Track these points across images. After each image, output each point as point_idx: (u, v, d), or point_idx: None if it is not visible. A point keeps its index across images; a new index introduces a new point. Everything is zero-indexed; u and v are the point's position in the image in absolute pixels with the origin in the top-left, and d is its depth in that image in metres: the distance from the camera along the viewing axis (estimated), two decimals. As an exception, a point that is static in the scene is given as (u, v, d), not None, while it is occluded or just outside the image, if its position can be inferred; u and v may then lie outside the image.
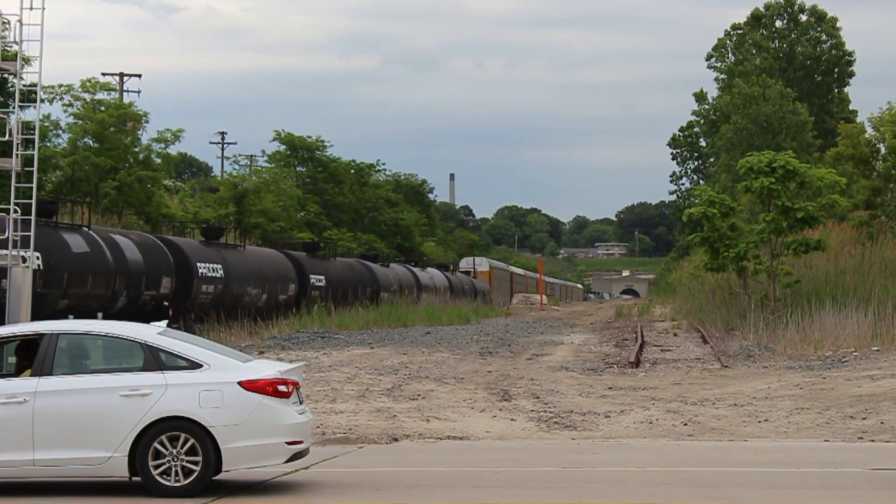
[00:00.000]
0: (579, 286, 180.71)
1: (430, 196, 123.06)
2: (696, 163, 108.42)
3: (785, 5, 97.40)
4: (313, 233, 74.21)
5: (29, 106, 37.67)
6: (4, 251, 25.80)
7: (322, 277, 52.95)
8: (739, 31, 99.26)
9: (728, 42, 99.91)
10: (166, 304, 36.23)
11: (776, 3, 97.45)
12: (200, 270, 39.62)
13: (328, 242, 62.28)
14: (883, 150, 55.97)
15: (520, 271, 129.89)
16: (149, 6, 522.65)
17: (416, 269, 74.86)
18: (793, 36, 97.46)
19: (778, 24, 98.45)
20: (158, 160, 56.84)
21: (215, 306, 40.39)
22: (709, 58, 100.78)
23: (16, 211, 26.36)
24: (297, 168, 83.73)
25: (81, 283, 31.87)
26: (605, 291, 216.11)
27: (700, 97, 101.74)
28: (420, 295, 70.02)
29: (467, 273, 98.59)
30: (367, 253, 71.86)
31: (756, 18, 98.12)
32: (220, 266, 41.34)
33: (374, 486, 13.26)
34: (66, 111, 54.86)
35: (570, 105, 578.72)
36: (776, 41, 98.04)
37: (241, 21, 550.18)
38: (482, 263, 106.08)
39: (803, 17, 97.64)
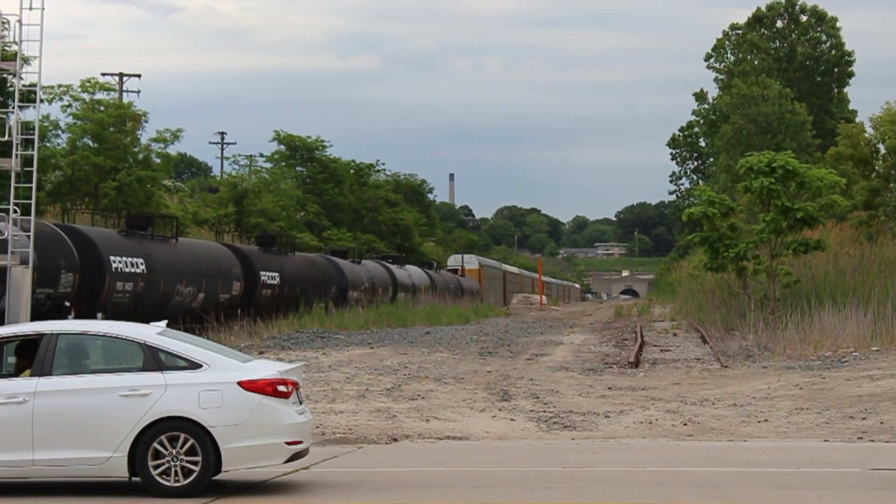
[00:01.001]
0: (577, 286, 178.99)
1: (430, 196, 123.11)
2: (695, 163, 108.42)
3: (786, 5, 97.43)
4: (313, 233, 74.28)
5: (28, 106, 37.67)
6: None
7: (276, 275, 47.53)
8: (738, 31, 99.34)
9: (727, 42, 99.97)
10: (67, 304, 31.31)
11: (777, 3, 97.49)
12: (114, 265, 33.96)
13: (286, 236, 55.52)
14: (882, 151, 55.99)
15: (514, 270, 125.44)
16: (148, 6, 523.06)
17: (392, 267, 69.21)
18: (793, 36, 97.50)
19: (779, 24, 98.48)
20: (158, 160, 56.84)
21: (135, 307, 34.79)
22: (707, 58, 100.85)
23: (15, 211, 26.38)
24: (297, 168, 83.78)
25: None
26: (604, 291, 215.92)
27: (700, 97, 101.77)
28: (396, 294, 65.18)
29: (454, 271, 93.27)
30: (337, 248, 66.10)
31: (757, 19, 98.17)
32: (141, 260, 35.67)
33: (373, 486, 13.26)
34: (65, 111, 54.90)
35: (570, 105, 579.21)
36: (777, 41, 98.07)
37: (241, 21, 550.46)
38: (471, 261, 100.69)
39: (804, 18, 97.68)
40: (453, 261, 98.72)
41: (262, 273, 46.11)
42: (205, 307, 40.29)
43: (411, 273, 72.67)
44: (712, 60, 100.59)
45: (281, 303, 47.76)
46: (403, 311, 53.98)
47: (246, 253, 46.17)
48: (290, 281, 48.93)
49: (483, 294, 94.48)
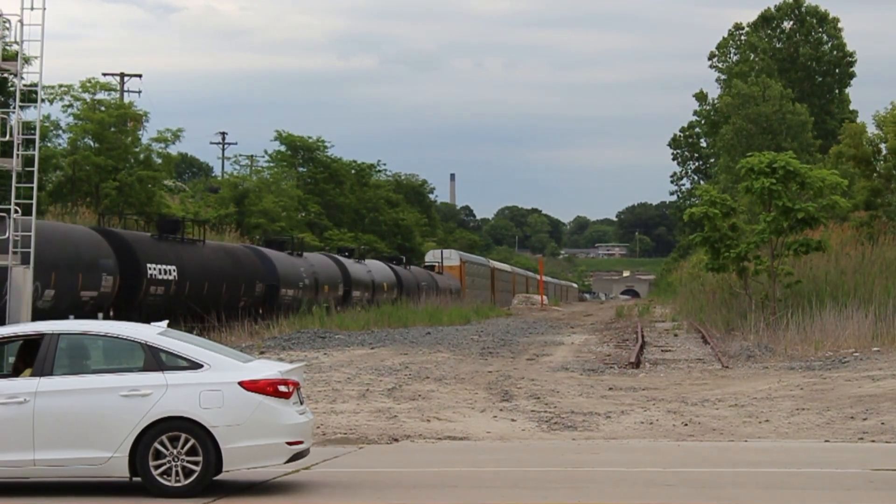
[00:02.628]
0: (574, 285, 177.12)
1: (431, 196, 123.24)
2: (696, 163, 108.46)
3: (794, 6, 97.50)
4: (314, 233, 74.29)
5: (29, 106, 37.68)
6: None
7: (172, 268, 36.94)
8: (742, 31, 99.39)
9: (731, 42, 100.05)
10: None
11: (785, 3, 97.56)
12: None
13: (193, 222, 46.61)
14: (884, 151, 55.96)
15: (505, 267, 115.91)
16: (148, 6, 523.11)
17: (346, 260, 59.26)
18: (797, 37, 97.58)
19: (785, 24, 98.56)
20: (159, 160, 56.91)
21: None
22: (711, 57, 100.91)
23: (16, 211, 26.39)
24: (298, 168, 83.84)
25: None
26: (603, 292, 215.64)
27: (701, 97, 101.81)
28: (350, 294, 56.52)
29: (431, 268, 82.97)
30: (274, 239, 55.13)
31: (766, 19, 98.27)
32: None
33: (374, 486, 13.25)
34: (65, 111, 54.97)
35: (570, 105, 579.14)
36: (783, 42, 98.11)
37: (241, 21, 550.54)
38: (451, 257, 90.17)
39: (811, 20, 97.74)
40: (431, 256, 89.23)
41: (149, 266, 35.60)
42: (56, 308, 30.18)
43: (371, 269, 63.14)
44: (715, 60, 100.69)
45: (178, 304, 37.00)
46: (404, 312, 53.95)
47: (127, 241, 35.53)
48: (193, 276, 38.62)
49: (464, 293, 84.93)
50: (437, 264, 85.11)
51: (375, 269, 64.09)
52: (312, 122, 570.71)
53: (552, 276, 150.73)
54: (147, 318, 30.50)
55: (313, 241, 69.62)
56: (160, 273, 36.21)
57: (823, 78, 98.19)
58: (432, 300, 65.78)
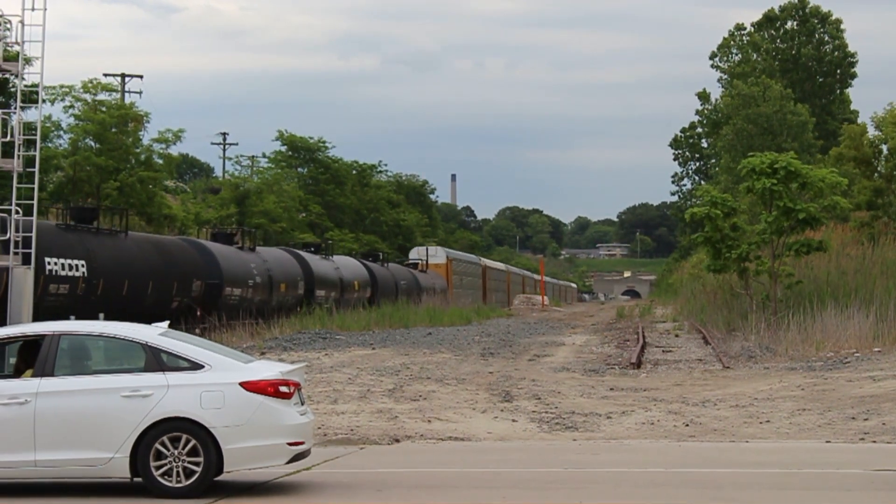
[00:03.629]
0: (573, 285, 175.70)
1: (432, 197, 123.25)
2: (697, 163, 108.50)
3: (798, 6, 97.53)
4: (315, 234, 74.32)
5: (30, 106, 37.72)
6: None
7: (80, 263, 31.32)
8: (743, 32, 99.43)
9: (733, 42, 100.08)
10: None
11: (790, 3, 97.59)
12: None
13: (113, 209, 42.05)
14: (885, 151, 55.97)
15: (499, 266, 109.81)
16: (148, 6, 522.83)
17: (309, 257, 52.41)
18: (799, 38, 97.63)
19: (789, 25, 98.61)
20: (160, 161, 56.93)
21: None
22: (713, 56, 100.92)
23: (17, 212, 26.41)
24: (299, 169, 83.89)
25: None
26: (602, 292, 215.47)
27: (703, 97, 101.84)
28: (313, 293, 50.40)
29: (414, 266, 77.06)
30: (220, 231, 47.12)
31: (769, 19, 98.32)
32: None
33: (375, 486, 13.26)
34: (66, 112, 55.00)
35: (570, 105, 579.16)
36: (785, 42, 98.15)
37: (241, 21, 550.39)
38: (437, 254, 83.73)
39: (814, 20, 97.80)
40: (415, 253, 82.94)
41: (50, 260, 29.85)
42: None
43: (340, 265, 56.65)
44: (717, 59, 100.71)
45: (87, 305, 30.74)
46: (405, 312, 53.97)
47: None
48: (108, 273, 32.86)
49: (451, 294, 78.73)
50: (420, 262, 79.00)
51: (345, 265, 57.61)
52: (313, 122, 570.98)
53: (552, 277, 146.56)
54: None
55: (314, 242, 69.30)
56: (63, 269, 30.54)
57: (825, 78, 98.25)
58: (412, 301, 61.84)
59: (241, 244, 45.38)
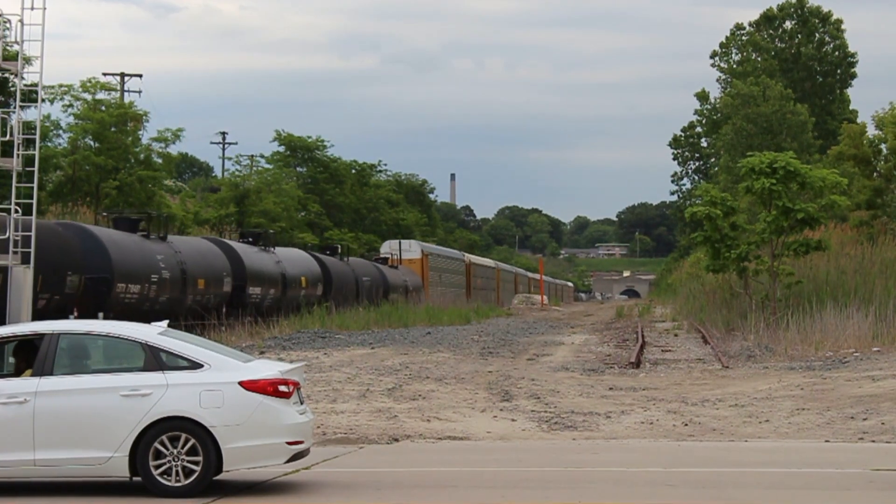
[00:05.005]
0: (570, 284, 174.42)
1: (431, 196, 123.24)
2: (697, 163, 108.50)
3: (796, 5, 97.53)
4: (314, 233, 74.28)
5: (30, 106, 37.70)
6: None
7: None
8: (743, 32, 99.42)
9: (733, 42, 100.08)
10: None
11: (788, 3, 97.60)
12: None
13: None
14: (885, 151, 56.01)
15: (488, 263, 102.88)
16: (147, 5, 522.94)
17: (243, 248, 44.64)
18: (799, 37, 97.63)
19: (788, 24, 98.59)
20: (159, 160, 56.90)
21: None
22: (713, 56, 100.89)
23: (17, 211, 26.40)
24: (298, 168, 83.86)
25: None
26: (600, 291, 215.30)
27: (702, 97, 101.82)
28: (244, 290, 42.82)
29: (384, 261, 69.86)
30: (121, 216, 38.19)
31: (768, 19, 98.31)
32: None
33: (374, 486, 13.25)
34: (66, 111, 54.98)
35: (570, 105, 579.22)
36: (785, 41, 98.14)
37: (241, 20, 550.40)
38: (411, 248, 76.80)
39: (813, 20, 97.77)
40: (387, 247, 76.09)
41: None
42: None
43: (283, 258, 48.60)
44: (717, 59, 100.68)
45: None
46: (405, 312, 53.97)
47: None
48: None
49: (427, 292, 72.86)
50: (390, 256, 72.16)
51: (290, 258, 49.71)
52: (313, 122, 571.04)
53: (548, 276, 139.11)
54: None
55: (314, 242, 69.20)
56: None
57: (825, 78, 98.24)
58: (374, 300, 56.07)
59: (147, 232, 36.96)
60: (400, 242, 76.34)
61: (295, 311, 46.85)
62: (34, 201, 26.70)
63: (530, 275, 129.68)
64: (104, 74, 64.88)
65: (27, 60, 29.84)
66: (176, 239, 39.87)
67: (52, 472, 12.49)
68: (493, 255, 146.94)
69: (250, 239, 48.22)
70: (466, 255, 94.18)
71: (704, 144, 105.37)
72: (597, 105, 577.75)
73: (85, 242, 32.56)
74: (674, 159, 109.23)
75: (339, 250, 60.39)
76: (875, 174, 56.49)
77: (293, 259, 50.30)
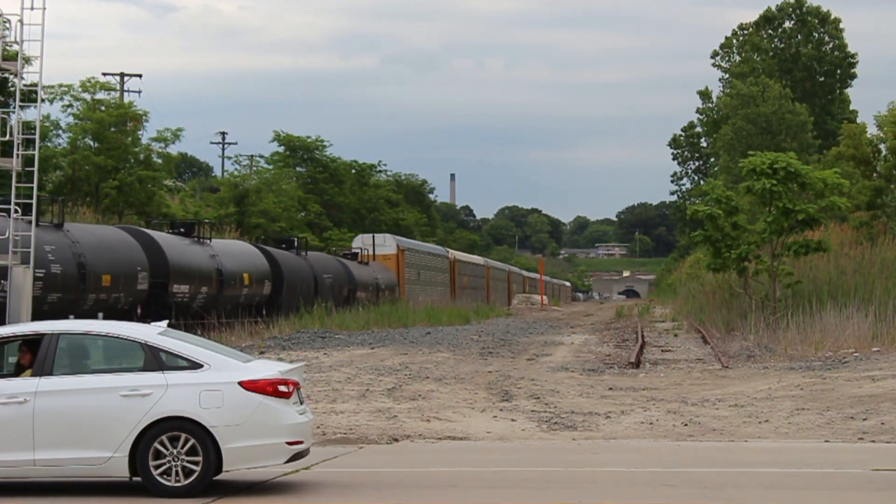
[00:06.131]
0: (567, 284, 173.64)
1: (431, 196, 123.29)
2: (696, 163, 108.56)
3: (795, 6, 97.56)
4: (314, 233, 74.29)
5: (29, 106, 37.69)
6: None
7: None
8: (744, 32, 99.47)
9: (735, 41, 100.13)
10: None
11: (787, 3, 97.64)
12: None
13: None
14: (884, 151, 56.01)
15: (477, 260, 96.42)
16: (146, 5, 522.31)
17: (166, 239, 38.14)
18: (798, 37, 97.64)
19: (787, 25, 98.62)
20: (159, 160, 56.95)
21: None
22: (714, 55, 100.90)
23: (16, 211, 26.39)
24: (297, 168, 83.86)
25: None
26: (598, 292, 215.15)
27: (705, 95, 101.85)
28: (166, 288, 36.03)
29: (353, 257, 63.49)
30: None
31: (767, 19, 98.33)
32: None
33: (374, 486, 13.25)
34: (65, 111, 55.03)
35: (570, 105, 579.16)
36: (783, 41, 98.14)
37: (240, 20, 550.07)
38: (386, 243, 69.97)
39: (810, 20, 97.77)
40: (359, 242, 69.46)
41: None
42: None
43: (219, 252, 41.41)
44: (718, 58, 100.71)
45: None
46: (404, 311, 53.99)
47: None
48: None
49: (402, 291, 67.41)
50: (361, 252, 66.19)
51: (229, 252, 42.56)
52: (312, 122, 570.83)
53: (547, 276, 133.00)
54: None
55: (314, 242, 68.95)
56: None
57: (825, 78, 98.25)
58: (337, 300, 51.36)
59: (37, 220, 28.19)
60: (374, 236, 70.49)
61: (234, 313, 41.29)
62: (34, 201, 26.69)
63: (525, 273, 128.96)
64: (104, 74, 64.98)
65: (27, 60, 29.84)
66: (75, 227, 33.24)
67: (52, 472, 12.48)
68: (493, 255, 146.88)
69: (182, 230, 41.26)
70: (451, 251, 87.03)
71: (704, 144, 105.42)
72: (597, 105, 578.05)
73: None
74: (673, 159, 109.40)
75: (296, 244, 52.26)
76: (875, 174, 56.47)
77: (233, 252, 42.98)
